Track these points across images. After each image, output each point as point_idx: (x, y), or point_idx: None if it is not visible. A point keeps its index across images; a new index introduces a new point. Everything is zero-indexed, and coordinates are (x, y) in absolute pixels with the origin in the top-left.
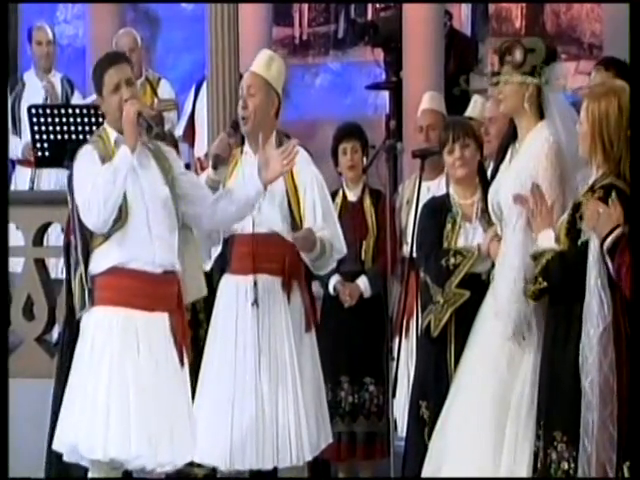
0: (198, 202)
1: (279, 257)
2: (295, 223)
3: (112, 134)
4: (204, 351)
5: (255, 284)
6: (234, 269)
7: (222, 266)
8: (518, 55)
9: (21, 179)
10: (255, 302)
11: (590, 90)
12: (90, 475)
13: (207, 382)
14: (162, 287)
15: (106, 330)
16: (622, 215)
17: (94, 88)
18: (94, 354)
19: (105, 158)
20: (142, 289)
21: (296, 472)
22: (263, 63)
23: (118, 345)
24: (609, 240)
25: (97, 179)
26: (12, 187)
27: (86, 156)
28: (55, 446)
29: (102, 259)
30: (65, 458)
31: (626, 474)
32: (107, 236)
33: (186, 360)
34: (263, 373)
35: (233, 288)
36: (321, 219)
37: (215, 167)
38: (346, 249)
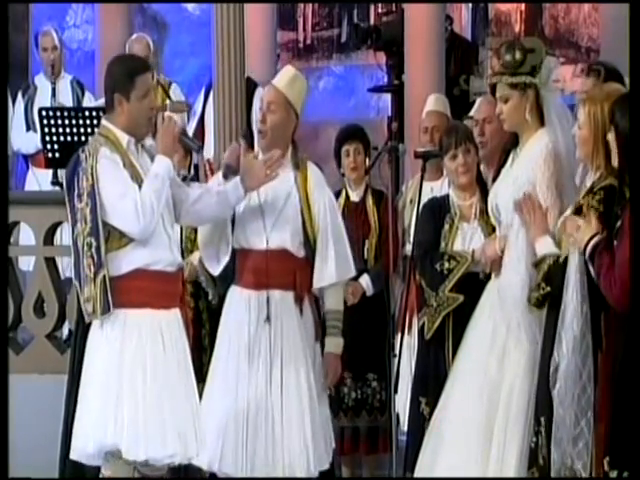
0: (182, 199)
1: (290, 272)
2: (308, 241)
3: (123, 137)
4: (211, 363)
5: (268, 300)
6: (245, 283)
7: (226, 276)
8: (517, 55)
9: (43, 179)
10: (268, 318)
11: (589, 94)
12: (102, 470)
13: (216, 394)
14: (177, 284)
15: (135, 332)
16: (598, 225)
17: (118, 88)
18: (124, 356)
19: (125, 163)
20: (162, 289)
21: None
22: (287, 81)
23: (149, 346)
24: (590, 246)
25: (145, 188)
26: (36, 187)
27: (110, 161)
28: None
29: (123, 262)
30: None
31: (606, 468)
32: (127, 240)
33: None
34: (274, 387)
35: (244, 302)
36: (332, 243)
37: (226, 177)
38: (353, 264)
